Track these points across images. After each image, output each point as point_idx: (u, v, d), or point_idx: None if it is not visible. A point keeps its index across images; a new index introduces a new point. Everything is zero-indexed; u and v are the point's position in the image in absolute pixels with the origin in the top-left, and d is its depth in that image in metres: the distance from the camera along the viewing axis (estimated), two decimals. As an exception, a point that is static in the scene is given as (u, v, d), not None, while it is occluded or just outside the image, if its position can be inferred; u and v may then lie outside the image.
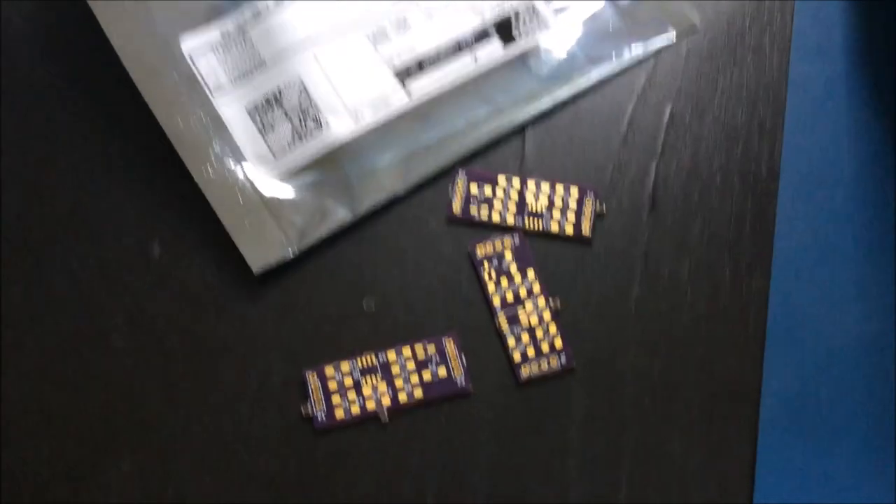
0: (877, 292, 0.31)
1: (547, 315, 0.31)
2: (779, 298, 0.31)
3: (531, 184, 0.33)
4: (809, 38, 0.36)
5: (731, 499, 0.29)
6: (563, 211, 0.33)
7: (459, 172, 0.33)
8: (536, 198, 0.33)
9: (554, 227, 0.32)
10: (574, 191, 0.33)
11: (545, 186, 0.33)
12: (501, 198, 0.33)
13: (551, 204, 0.33)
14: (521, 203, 0.33)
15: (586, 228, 0.32)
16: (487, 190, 0.33)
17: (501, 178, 0.33)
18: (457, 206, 0.33)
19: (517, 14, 0.35)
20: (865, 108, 0.34)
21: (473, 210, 0.33)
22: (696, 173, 0.34)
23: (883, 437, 0.29)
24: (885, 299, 0.31)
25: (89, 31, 0.35)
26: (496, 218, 0.33)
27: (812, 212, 0.33)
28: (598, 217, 0.33)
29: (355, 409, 0.30)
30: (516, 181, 0.33)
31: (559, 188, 0.33)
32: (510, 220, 0.33)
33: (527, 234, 0.32)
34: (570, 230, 0.32)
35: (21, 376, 0.30)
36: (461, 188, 0.33)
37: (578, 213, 0.33)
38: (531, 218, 0.32)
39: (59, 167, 0.34)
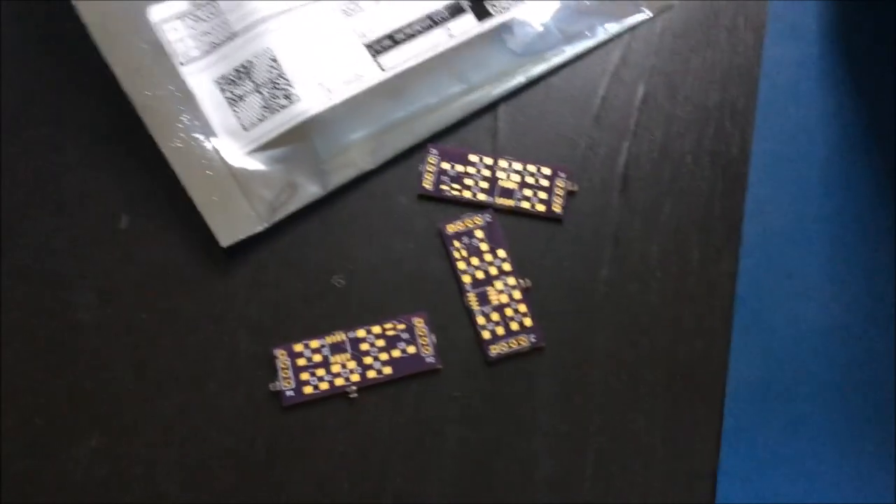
0: (844, 276, 0.32)
1: (517, 294, 0.31)
2: (746, 280, 0.32)
3: (503, 162, 0.33)
4: (783, 20, 0.36)
5: (695, 478, 0.29)
6: (535, 189, 0.33)
7: (430, 149, 0.33)
8: (508, 176, 0.33)
9: (525, 205, 0.32)
10: (545, 170, 0.33)
11: (517, 165, 0.33)
12: (473, 175, 0.33)
13: (523, 182, 0.33)
14: (493, 181, 0.33)
15: (557, 206, 0.32)
16: (459, 167, 0.33)
17: (473, 156, 0.33)
18: (428, 183, 0.33)
19: (492, -12, 0.35)
20: (837, 91, 0.34)
21: (444, 187, 0.33)
22: (668, 153, 0.34)
23: (847, 421, 0.30)
24: (852, 283, 0.32)
25: (54, -4, 0.34)
26: (467, 194, 0.33)
27: (782, 195, 0.33)
28: (569, 195, 0.33)
29: (324, 386, 0.30)
30: (488, 159, 0.33)
31: (530, 167, 0.33)
32: (481, 197, 0.32)
33: (498, 211, 0.32)
34: (541, 208, 0.32)
35: (-15, 350, 0.30)
36: (433, 165, 0.33)
37: (550, 192, 0.33)
38: (502, 196, 0.32)
39: (24, 138, 0.33)
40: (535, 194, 0.33)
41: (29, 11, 0.35)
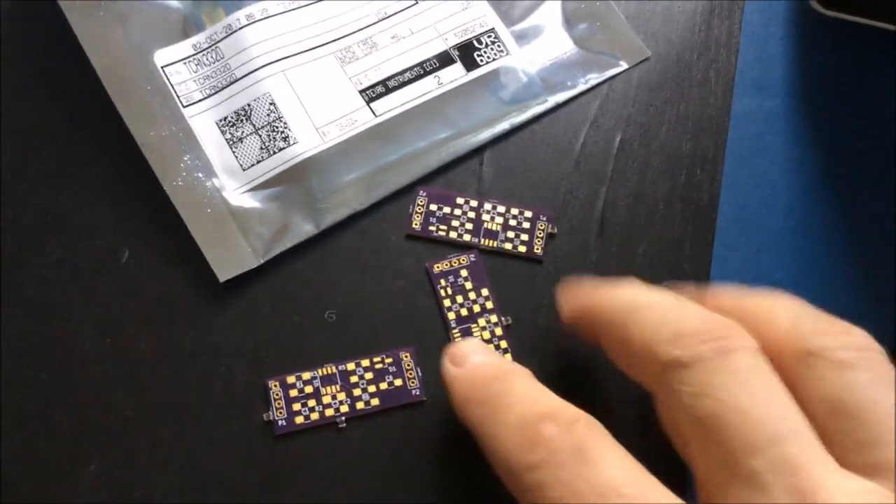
0: None
1: (499, 331, 0.33)
2: (713, 320, 0.34)
3: (487, 205, 0.35)
4: (752, 75, 0.38)
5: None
6: (517, 231, 0.35)
7: (419, 192, 0.35)
8: (492, 218, 0.35)
9: (507, 246, 0.34)
10: (527, 213, 0.35)
11: (501, 208, 0.35)
12: (459, 216, 0.35)
13: (506, 224, 0.35)
14: (478, 222, 0.35)
15: (538, 248, 0.34)
16: (446, 209, 0.35)
17: (459, 199, 0.35)
18: (416, 224, 0.34)
19: (479, 40, 0.37)
20: (801, 142, 0.37)
21: (432, 227, 0.34)
22: (642, 198, 0.36)
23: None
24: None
25: (65, 38, 0.35)
26: (454, 235, 0.34)
27: (747, 241, 0.35)
28: (549, 237, 0.35)
29: (315, 416, 0.31)
30: (473, 202, 0.35)
31: (514, 210, 0.35)
32: (467, 238, 0.34)
33: (482, 252, 0.34)
34: (522, 249, 0.34)
35: (-9, 377, 0.31)
36: (421, 206, 0.35)
37: (531, 234, 0.35)
38: (487, 237, 0.34)
39: (30, 173, 0.35)
40: (517, 236, 0.34)
41: (35, 49, 0.37)
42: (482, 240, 0.34)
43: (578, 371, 0.33)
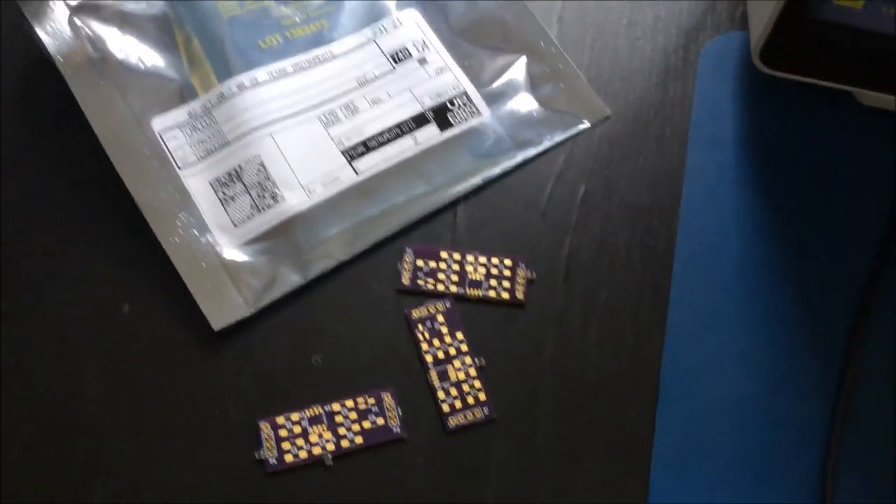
0: (754, 356, 0.36)
1: (473, 371, 0.36)
2: (670, 358, 0.36)
3: (469, 256, 0.38)
4: (704, 131, 0.41)
5: (627, 532, 0.34)
6: (499, 279, 0.37)
7: (406, 249, 0.38)
8: (475, 269, 0.37)
9: (492, 294, 0.37)
10: (507, 261, 0.38)
11: (482, 258, 0.38)
12: (444, 269, 0.37)
13: (488, 273, 0.37)
14: (462, 273, 0.37)
15: (520, 293, 0.37)
16: (432, 263, 0.37)
17: (443, 253, 0.38)
18: (405, 279, 0.37)
19: (452, 102, 0.40)
20: (751, 194, 0.40)
21: (420, 281, 0.37)
22: (604, 247, 0.39)
23: (758, 477, 0.34)
24: (760, 362, 0.36)
25: (67, 104, 0.38)
26: (441, 287, 0.37)
27: (701, 285, 0.38)
28: (529, 283, 0.38)
29: (303, 454, 0.34)
30: (457, 255, 0.38)
31: (494, 259, 0.38)
32: (453, 288, 0.37)
33: (467, 300, 0.37)
34: (505, 295, 0.37)
35: (6, 423, 0.34)
36: (409, 263, 0.37)
37: (513, 281, 0.37)
38: (472, 286, 0.37)
39: (38, 231, 0.37)
40: (500, 283, 0.37)
41: (39, 115, 0.40)
42: (468, 289, 0.37)
43: (545, 407, 0.35)
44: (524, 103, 0.41)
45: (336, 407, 0.35)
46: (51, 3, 0.39)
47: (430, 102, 0.40)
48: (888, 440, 0.35)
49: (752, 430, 0.35)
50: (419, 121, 0.40)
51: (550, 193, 0.40)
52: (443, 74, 0.41)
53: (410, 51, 0.41)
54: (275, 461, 0.34)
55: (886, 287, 0.38)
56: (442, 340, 0.36)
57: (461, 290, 0.37)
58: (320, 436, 0.34)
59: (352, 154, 0.39)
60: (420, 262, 0.37)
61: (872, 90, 0.39)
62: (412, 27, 0.42)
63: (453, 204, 0.39)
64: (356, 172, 0.38)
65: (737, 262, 0.38)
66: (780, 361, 0.36)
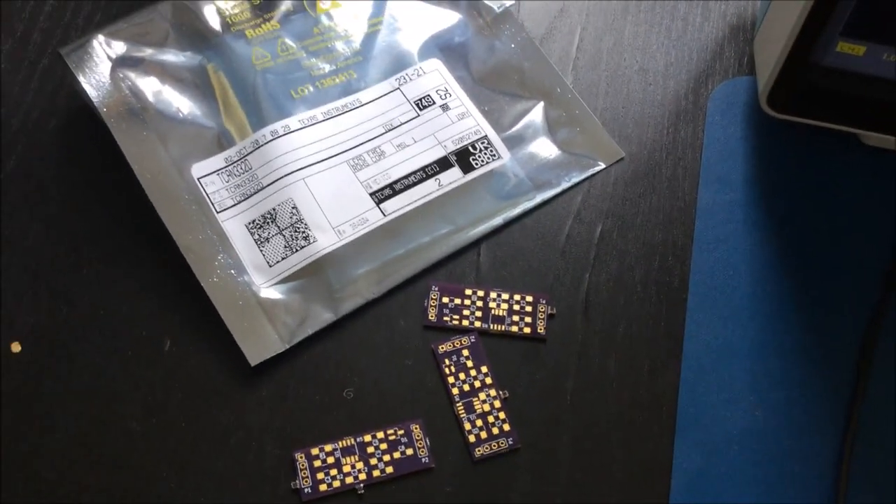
0: (765, 386, 0.38)
1: (497, 403, 0.37)
2: (687, 390, 0.38)
3: (493, 293, 0.39)
4: (715, 171, 0.43)
5: (647, 558, 0.35)
6: (521, 315, 0.39)
7: (432, 287, 0.39)
8: (498, 305, 0.39)
9: (514, 329, 0.39)
10: (528, 297, 0.39)
11: (504, 295, 0.39)
12: (469, 306, 0.39)
13: (510, 309, 0.39)
14: (486, 310, 0.39)
15: (541, 328, 0.39)
16: (457, 300, 0.39)
17: (468, 290, 0.39)
18: (432, 315, 0.39)
19: (474, 146, 0.42)
20: (760, 231, 0.41)
21: (446, 318, 0.39)
22: (621, 282, 0.40)
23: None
24: (771, 392, 0.38)
25: (110, 152, 0.41)
26: (465, 323, 0.39)
27: (714, 317, 0.39)
28: (550, 318, 0.39)
29: (336, 484, 0.36)
30: (480, 292, 0.39)
31: (516, 296, 0.39)
32: (477, 324, 0.39)
33: (490, 335, 0.39)
34: (527, 330, 0.39)
35: (53, 455, 0.36)
36: (434, 300, 0.39)
37: (534, 316, 0.39)
38: (494, 322, 0.39)
39: (84, 274, 0.39)
40: (521, 319, 0.39)
41: (85, 164, 0.42)
42: (491, 325, 0.39)
43: (567, 437, 0.37)
44: (542, 147, 0.43)
45: (367, 438, 0.36)
46: (94, 55, 0.42)
47: (452, 146, 0.42)
48: (898, 468, 0.36)
49: (765, 459, 0.36)
50: (443, 164, 0.42)
51: (569, 232, 0.42)
52: (464, 119, 0.43)
53: (433, 98, 0.43)
54: (310, 490, 0.35)
55: (892, 317, 0.39)
56: (467, 374, 0.38)
57: (485, 326, 0.39)
58: (352, 466, 0.36)
59: (379, 196, 0.41)
60: (445, 299, 0.39)
61: (875, 132, 0.41)
62: (434, 75, 0.44)
63: (476, 243, 0.41)
64: (383, 214, 0.40)
65: (748, 297, 0.40)
66: (792, 392, 0.38)
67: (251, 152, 0.41)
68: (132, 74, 0.42)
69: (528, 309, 0.39)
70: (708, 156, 0.43)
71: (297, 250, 0.39)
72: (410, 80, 0.44)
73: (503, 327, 0.39)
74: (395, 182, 0.41)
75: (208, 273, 0.38)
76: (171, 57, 0.43)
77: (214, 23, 0.43)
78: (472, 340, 0.38)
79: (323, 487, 0.35)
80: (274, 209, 0.40)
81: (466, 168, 0.42)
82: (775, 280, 0.40)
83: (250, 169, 0.41)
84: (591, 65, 0.46)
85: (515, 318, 0.39)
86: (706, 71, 0.46)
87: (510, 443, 0.37)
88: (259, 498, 0.35)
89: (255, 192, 0.40)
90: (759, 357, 0.38)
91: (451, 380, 0.38)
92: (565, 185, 0.42)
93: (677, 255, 0.41)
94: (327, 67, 0.43)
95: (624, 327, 0.39)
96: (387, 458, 0.36)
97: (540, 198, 0.42)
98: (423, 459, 0.36)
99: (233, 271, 0.39)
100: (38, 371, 0.37)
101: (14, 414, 0.36)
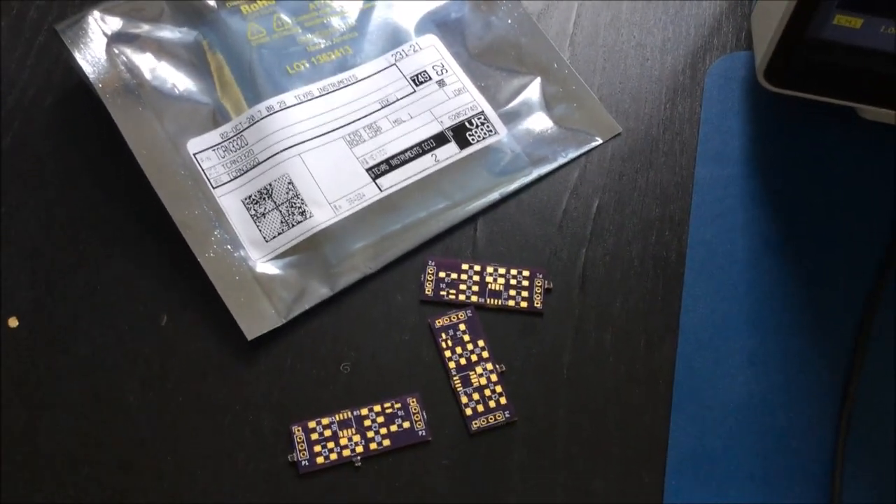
0: (762, 359, 0.38)
1: (494, 377, 0.37)
2: (683, 364, 0.38)
3: (489, 268, 0.39)
4: (712, 146, 0.43)
5: (643, 529, 0.35)
6: (518, 289, 0.39)
7: (429, 262, 0.39)
8: (495, 279, 0.39)
9: (511, 303, 0.39)
10: (525, 272, 0.39)
11: (501, 269, 0.39)
12: (465, 280, 0.39)
13: (507, 283, 0.39)
14: (482, 284, 0.39)
15: (538, 302, 0.39)
16: (453, 275, 0.39)
17: (464, 265, 0.39)
18: (429, 290, 0.39)
19: (471, 122, 0.42)
20: (757, 205, 0.41)
21: (442, 292, 0.39)
22: (618, 257, 0.40)
23: (768, 479, 0.36)
24: (769, 365, 0.38)
25: (106, 128, 0.41)
26: (462, 297, 0.39)
27: (711, 292, 0.39)
28: (546, 292, 0.39)
29: (333, 456, 0.36)
30: (477, 266, 0.39)
31: (513, 270, 0.39)
32: (474, 298, 0.39)
33: (486, 309, 0.39)
34: (524, 304, 0.39)
35: (50, 429, 0.36)
36: (431, 275, 0.39)
37: (530, 290, 0.39)
38: (491, 296, 0.39)
39: (81, 249, 0.39)
40: (518, 293, 0.39)
41: (81, 141, 0.42)
42: (488, 299, 0.39)
43: (563, 411, 0.37)
44: (539, 122, 0.43)
45: (364, 411, 0.36)
46: (90, 32, 0.42)
47: (449, 122, 0.42)
48: (894, 443, 0.37)
49: (762, 433, 0.36)
50: (439, 140, 0.42)
51: (566, 207, 0.41)
52: (461, 95, 0.43)
53: (430, 73, 0.43)
54: (307, 463, 0.35)
55: (891, 291, 0.39)
56: (464, 348, 0.38)
57: (482, 300, 0.39)
58: (350, 439, 0.36)
59: (375, 172, 0.41)
60: (442, 274, 0.39)
61: (873, 106, 0.41)
62: (431, 51, 0.44)
63: (473, 218, 0.41)
64: (380, 189, 0.40)
65: (745, 271, 0.40)
66: (789, 366, 0.38)
67: (247, 128, 0.41)
68: (128, 51, 0.42)
69: (525, 283, 0.39)
70: (705, 131, 0.43)
71: (293, 225, 0.39)
72: (406, 55, 0.44)
73: (500, 302, 0.39)
74: (392, 157, 0.41)
75: (205, 248, 0.38)
76: (167, 33, 0.43)
77: (210, -1, 0.43)
78: (469, 315, 0.38)
79: (320, 460, 0.36)
80: (270, 185, 0.40)
81: (463, 143, 0.42)
82: (772, 254, 0.40)
83: (246, 145, 0.41)
84: (588, 40, 0.46)
85: (512, 292, 0.39)
86: (704, 46, 0.46)
87: (507, 416, 0.37)
88: (257, 470, 0.36)
89: (252, 168, 0.40)
90: (756, 331, 0.38)
91: (447, 354, 0.38)
92: (562, 160, 0.42)
93: (674, 229, 0.41)
94: (323, 43, 0.43)
95: (620, 302, 0.39)
96: (384, 430, 0.36)
97: (536, 173, 0.42)
98: (420, 432, 0.36)
99: (229, 246, 0.39)
100: (36, 346, 0.37)
101: (11, 388, 0.37)
